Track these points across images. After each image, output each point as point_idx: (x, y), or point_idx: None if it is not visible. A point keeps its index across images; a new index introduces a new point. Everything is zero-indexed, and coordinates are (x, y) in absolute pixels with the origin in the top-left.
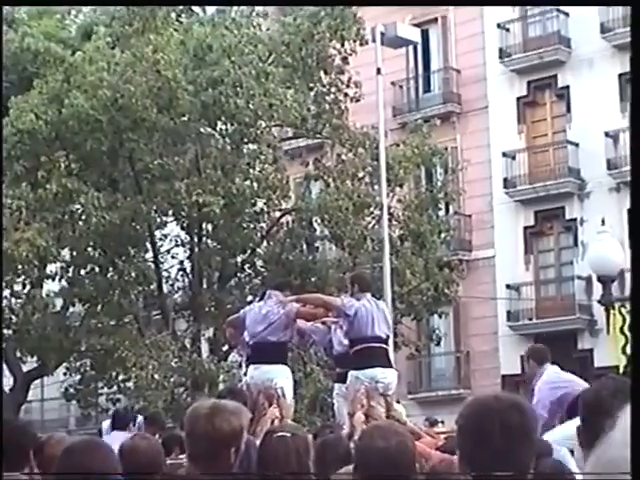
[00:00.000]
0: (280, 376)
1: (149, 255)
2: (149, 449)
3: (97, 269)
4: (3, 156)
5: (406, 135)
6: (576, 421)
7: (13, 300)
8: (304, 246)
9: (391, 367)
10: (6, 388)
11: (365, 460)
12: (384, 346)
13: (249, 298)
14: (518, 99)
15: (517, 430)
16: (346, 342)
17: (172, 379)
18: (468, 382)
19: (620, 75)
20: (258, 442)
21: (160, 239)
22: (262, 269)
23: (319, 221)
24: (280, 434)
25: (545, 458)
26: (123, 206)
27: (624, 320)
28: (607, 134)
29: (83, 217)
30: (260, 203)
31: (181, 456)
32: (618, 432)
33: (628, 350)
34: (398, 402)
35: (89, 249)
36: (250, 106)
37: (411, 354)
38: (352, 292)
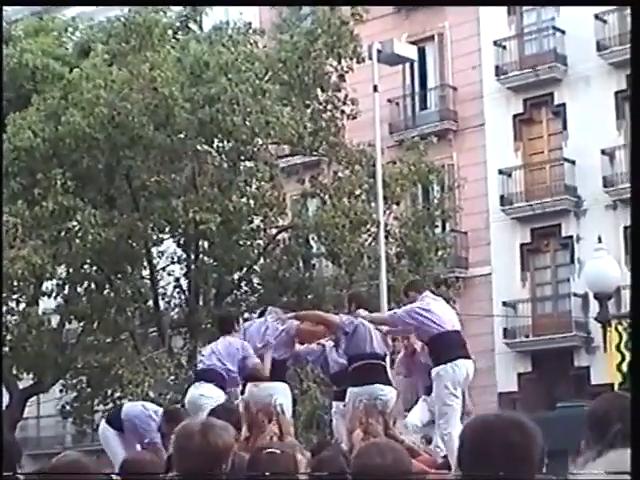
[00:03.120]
0: (280, 393)
1: (145, 272)
2: (152, 464)
3: (93, 286)
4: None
5: (403, 152)
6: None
7: (9, 317)
8: (300, 263)
9: (390, 384)
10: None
11: (362, 477)
12: (382, 363)
13: (246, 315)
14: (514, 116)
15: (518, 449)
16: (342, 361)
17: (168, 396)
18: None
19: (617, 93)
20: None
21: (157, 256)
22: (259, 286)
23: (315, 238)
24: (269, 450)
25: None
26: (120, 223)
27: (620, 337)
28: (603, 152)
29: (79, 234)
30: (257, 220)
31: None
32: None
33: (624, 367)
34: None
35: (85, 266)
36: (247, 123)
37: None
38: (350, 310)
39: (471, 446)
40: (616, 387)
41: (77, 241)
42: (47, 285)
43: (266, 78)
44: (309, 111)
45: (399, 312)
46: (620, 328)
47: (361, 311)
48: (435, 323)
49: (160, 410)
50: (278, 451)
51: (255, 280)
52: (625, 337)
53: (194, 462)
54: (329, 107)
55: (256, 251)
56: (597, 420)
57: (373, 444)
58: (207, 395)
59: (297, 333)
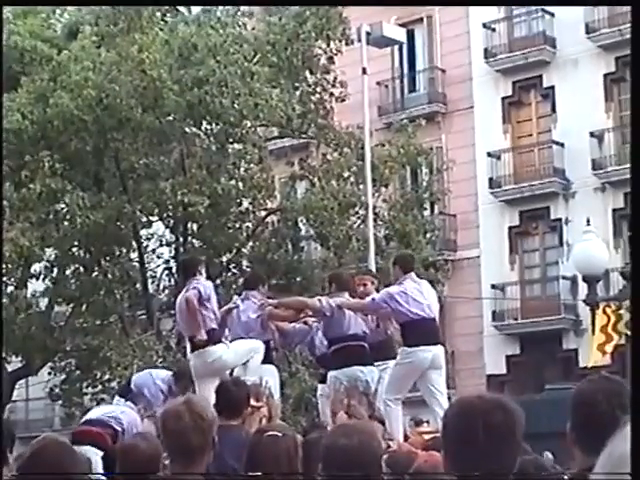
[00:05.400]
0: (268, 375)
1: (134, 255)
2: (148, 449)
3: (82, 269)
4: None
5: (391, 135)
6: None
7: None
8: (289, 246)
9: (371, 365)
10: None
11: (329, 458)
12: (362, 344)
13: (234, 298)
14: (503, 99)
15: (501, 430)
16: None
17: None
18: (453, 382)
19: (605, 75)
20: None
21: (145, 239)
22: (247, 269)
23: (304, 221)
24: (271, 433)
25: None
26: (108, 206)
27: (609, 319)
28: (592, 134)
29: (68, 217)
30: (245, 203)
31: None
32: (627, 430)
33: (608, 349)
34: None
35: (74, 249)
36: (235, 106)
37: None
38: (330, 291)
39: (454, 427)
40: (590, 365)
41: (65, 223)
42: (35, 267)
43: (255, 60)
44: (298, 93)
45: (377, 298)
46: (608, 310)
47: (340, 299)
48: (410, 311)
49: (167, 374)
50: (280, 434)
51: (244, 263)
52: (613, 319)
53: (187, 440)
54: (318, 89)
55: (245, 234)
56: (582, 402)
57: (341, 425)
58: (215, 358)
59: (270, 316)
